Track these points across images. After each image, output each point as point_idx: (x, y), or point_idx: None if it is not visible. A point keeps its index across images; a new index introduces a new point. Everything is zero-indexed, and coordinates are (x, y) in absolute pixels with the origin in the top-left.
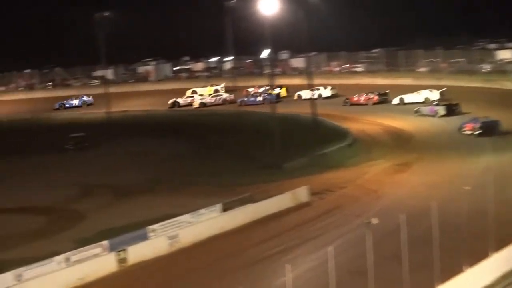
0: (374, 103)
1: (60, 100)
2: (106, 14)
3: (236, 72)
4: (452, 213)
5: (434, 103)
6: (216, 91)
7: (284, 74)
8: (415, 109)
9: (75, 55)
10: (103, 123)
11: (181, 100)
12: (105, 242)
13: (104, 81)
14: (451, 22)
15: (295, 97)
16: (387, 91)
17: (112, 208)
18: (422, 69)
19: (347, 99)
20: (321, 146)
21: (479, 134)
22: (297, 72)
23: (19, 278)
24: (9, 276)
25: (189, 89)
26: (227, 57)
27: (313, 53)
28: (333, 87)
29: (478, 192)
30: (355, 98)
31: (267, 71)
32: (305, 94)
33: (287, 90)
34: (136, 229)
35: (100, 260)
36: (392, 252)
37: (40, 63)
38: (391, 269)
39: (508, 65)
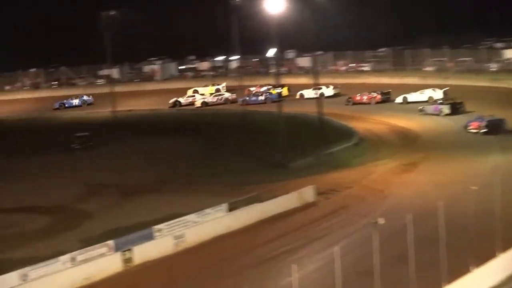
0: (377, 102)
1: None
2: (112, 13)
3: (242, 71)
4: (459, 213)
5: (438, 101)
6: (218, 90)
7: (290, 73)
8: (419, 108)
9: (81, 54)
10: (108, 122)
11: (182, 100)
12: (110, 242)
13: (110, 80)
14: (458, 21)
15: (297, 96)
16: (390, 90)
17: (117, 207)
18: (428, 68)
19: (349, 98)
20: (327, 146)
21: (484, 133)
22: (303, 71)
23: (24, 278)
24: (14, 275)
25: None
26: (233, 56)
27: (320, 52)
28: (336, 86)
29: (485, 191)
30: (358, 97)
31: (273, 70)
32: (307, 93)
33: (288, 89)
34: (141, 228)
35: (105, 260)
36: (398, 252)
37: (45, 62)
38: (397, 269)
39: None
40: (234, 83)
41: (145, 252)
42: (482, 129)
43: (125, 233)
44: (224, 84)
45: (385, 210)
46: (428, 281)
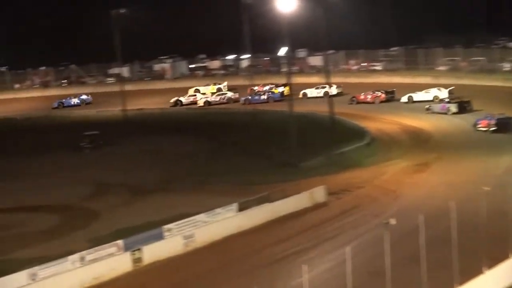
0: (381, 101)
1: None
2: (122, 11)
3: (253, 70)
4: (471, 213)
5: (445, 100)
6: (219, 89)
7: (301, 72)
8: (426, 107)
9: (91, 52)
10: (118, 121)
11: (183, 99)
12: (120, 242)
13: (120, 79)
14: (471, 21)
15: (300, 96)
16: (394, 89)
17: (127, 207)
18: (441, 68)
19: (353, 97)
20: (338, 145)
21: (494, 131)
22: (315, 70)
23: (33, 277)
24: (24, 275)
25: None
26: (243, 55)
27: (331, 51)
28: (339, 85)
29: (498, 192)
30: (362, 96)
31: (284, 69)
32: (310, 92)
33: (290, 89)
34: (151, 228)
35: (115, 260)
36: (410, 253)
37: (55, 60)
38: (409, 270)
39: None
40: (245, 82)
41: (154, 252)
42: (491, 128)
43: (134, 232)
44: (225, 83)
45: (397, 210)
46: (440, 282)
